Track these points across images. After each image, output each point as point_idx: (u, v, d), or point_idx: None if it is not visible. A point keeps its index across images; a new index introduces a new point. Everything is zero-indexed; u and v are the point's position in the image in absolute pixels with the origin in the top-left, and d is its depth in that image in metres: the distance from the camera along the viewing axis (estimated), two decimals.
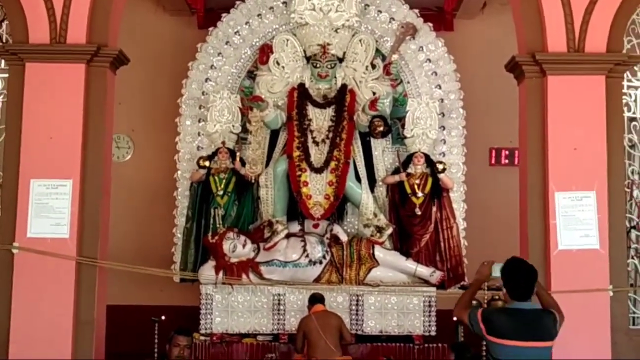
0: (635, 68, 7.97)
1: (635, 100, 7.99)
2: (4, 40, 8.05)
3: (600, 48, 7.64)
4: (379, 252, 10.03)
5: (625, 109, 7.82)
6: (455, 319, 6.24)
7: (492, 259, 5.99)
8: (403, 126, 10.43)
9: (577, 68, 7.63)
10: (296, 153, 10.27)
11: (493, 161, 12.19)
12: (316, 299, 9.27)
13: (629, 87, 7.92)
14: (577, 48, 7.63)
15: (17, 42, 7.76)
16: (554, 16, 7.66)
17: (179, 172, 10.68)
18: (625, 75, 7.82)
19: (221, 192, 10.19)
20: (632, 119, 7.93)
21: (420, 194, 10.13)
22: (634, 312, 7.59)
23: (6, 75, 7.89)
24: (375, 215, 10.22)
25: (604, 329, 7.13)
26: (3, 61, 7.96)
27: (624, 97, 7.79)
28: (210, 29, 10.96)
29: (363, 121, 10.30)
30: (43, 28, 7.70)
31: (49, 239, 7.48)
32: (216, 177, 10.23)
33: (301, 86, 10.56)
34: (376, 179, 10.54)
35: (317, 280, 9.90)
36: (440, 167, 10.23)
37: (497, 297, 9.88)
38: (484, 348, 8.99)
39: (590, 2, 7.67)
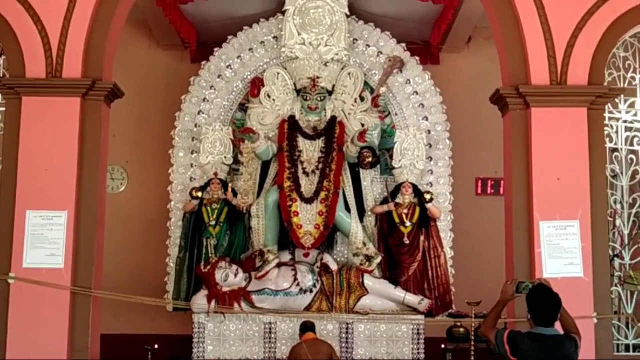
0: (616, 100, 8.01)
1: (616, 132, 8.03)
2: (1, 75, 8.06)
3: (582, 81, 7.69)
4: (368, 280, 10.02)
5: (607, 139, 7.86)
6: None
7: (502, 283, 6.05)
8: (391, 157, 10.47)
9: (559, 100, 7.67)
10: (287, 183, 10.27)
11: (479, 191, 12.22)
12: (307, 327, 9.23)
13: (610, 118, 7.97)
14: (559, 81, 7.68)
15: (14, 77, 7.78)
16: (536, 50, 7.71)
17: (172, 202, 10.67)
18: (606, 107, 7.86)
19: (213, 222, 10.18)
20: (613, 150, 7.98)
21: (408, 223, 10.14)
22: (618, 339, 7.59)
23: (3, 108, 7.90)
24: (364, 244, 10.22)
25: (589, 356, 7.13)
26: (0, 95, 7.97)
27: (605, 128, 7.83)
28: (203, 62, 11.00)
29: (352, 152, 10.33)
30: (39, 62, 7.73)
31: (44, 269, 7.47)
32: (208, 208, 10.23)
33: (291, 118, 10.58)
34: (365, 209, 10.54)
35: (308, 308, 9.87)
36: (427, 196, 10.24)
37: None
38: None
39: (572, 36, 7.73)
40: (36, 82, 7.70)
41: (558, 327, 5.79)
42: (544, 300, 5.71)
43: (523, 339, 5.63)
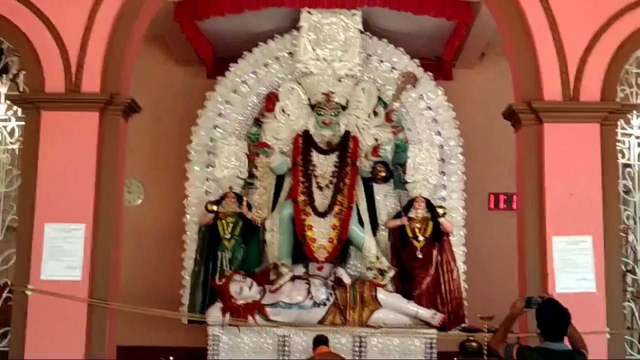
0: (629, 116, 8.00)
1: (629, 147, 8.02)
2: (21, 90, 8.11)
3: (594, 97, 7.68)
4: (381, 294, 10.01)
5: (619, 155, 7.85)
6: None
7: (514, 299, 6.09)
8: (404, 172, 10.47)
9: (572, 116, 7.66)
10: (301, 198, 10.30)
11: (492, 206, 12.19)
12: (320, 340, 9.21)
13: (622, 134, 7.96)
14: (572, 97, 7.66)
15: (34, 91, 7.82)
16: (549, 65, 7.71)
17: (188, 216, 10.71)
18: (619, 123, 7.85)
19: (228, 236, 10.21)
20: (626, 165, 7.96)
21: (421, 238, 10.14)
22: (631, 355, 7.56)
23: (23, 123, 7.94)
24: (377, 258, 10.22)
25: None
26: (20, 109, 8.01)
27: (618, 144, 7.82)
28: (219, 78, 11.06)
29: (366, 167, 10.35)
30: (58, 77, 7.76)
31: (62, 282, 7.48)
32: (224, 221, 10.25)
33: (306, 133, 10.62)
34: (378, 223, 10.56)
35: (321, 322, 9.86)
36: (440, 211, 10.24)
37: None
38: None
39: (585, 52, 7.72)
40: (55, 97, 7.74)
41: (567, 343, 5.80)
42: (553, 315, 5.71)
43: (532, 354, 5.62)
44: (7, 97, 8.14)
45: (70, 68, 7.78)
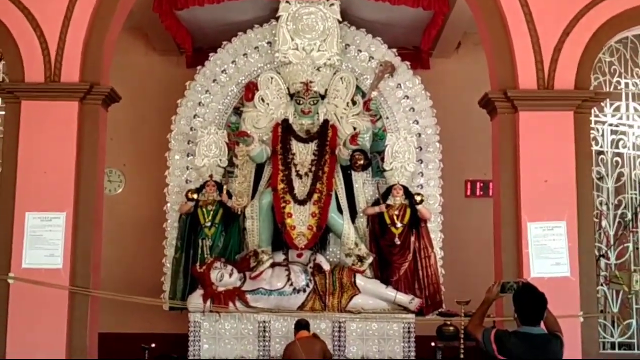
0: (602, 104, 8.04)
1: (602, 135, 8.07)
2: (1, 79, 8.05)
3: (568, 85, 7.71)
4: (360, 280, 10.03)
5: (593, 142, 7.88)
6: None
7: (489, 284, 6.08)
8: (382, 160, 10.48)
9: (546, 104, 7.68)
10: (280, 186, 10.28)
11: (468, 193, 12.23)
12: (301, 325, 9.24)
13: (596, 122, 8.00)
14: (546, 85, 7.69)
15: (13, 81, 7.77)
16: (524, 55, 7.73)
17: (169, 204, 10.66)
18: (592, 111, 7.88)
19: (209, 224, 10.18)
20: (599, 153, 8.00)
21: (399, 225, 10.15)
22: (604, 337, 7.61)
23: (2, 112, 7.89)
24: (356, 245, 10.22)
25: (576, 354, 7.14)
26: (0, 99, 7.96)
27: (591, 131, 7.85)
28: (198, 67, 10.99)
29: (344, 155, 10.34)
30: (38, 67, 7.72)
31: (43, 269, 7.46)
32: (204, 209, 10.23)
33: (285, 122, 10.59)
34: (357, 211, 10.55)
35: (301, 307, 9.87)
36: (418, 198, 10.25)
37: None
38: None
39: (559, 41, 7.75)
40: (35, 86, 7.69)
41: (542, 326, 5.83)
42: (530, 300, 5.74)
43: (510, 338, 5.65)
44: None
45: (49, 58, 7.74)
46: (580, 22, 7.71)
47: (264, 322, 9.89)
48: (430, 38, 11.44)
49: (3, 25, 7.76)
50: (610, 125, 8.11)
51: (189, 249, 10.22)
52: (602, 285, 7.77)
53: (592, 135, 7.86)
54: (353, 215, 10.49)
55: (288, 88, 10.72)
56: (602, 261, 7.88)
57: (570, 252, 7.41)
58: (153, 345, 9.37)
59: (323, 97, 10.68)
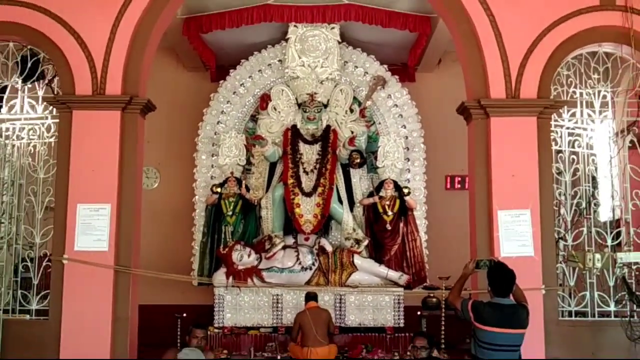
0: (560, 110, 8.01)
1: (560, 137, 8.02)
2: (55, 93, 8.05)
3: (532, 95, 7.66)
4: (357, 260, 10.04)
5: (552, 143, 7.85)
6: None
7: (466, 262, 6.19)
8: (376, 158, 10.52)
9: (514, 111, 7.64)
10: (290, 181, 10.31)
11: (448, 186, 12.19)
12: (310, 296, 9.26)
13: (555, 126, 7.96)
14: (513, 95, 7.64)
15: (66, 94, 7.75)
16: (494, 69, 7.68)
17: (197, 197, 10.71)
18: (552, 116, 7.85)
19: (230, 213, 10.21)
20: (558, 152, 7.97)
21: (390, 213, 10.17)
22: (562, 307, 7.60)
23: (57, 120, 7.89)
24: (354, 230, 10.26)
25: (539, 321, 7.13)
26: (54, 109, 7.96)
27: (551, 134, 7.82)
28: (221, 82, 11.05)
29: (344, 155, 10.37)
30: (86, 82, 7.69)
31: (92, 252, 7.44)
32: (226, 201, 10.24)
33: (294, 127, 10.61)
34: (354, 201, 10.58)
35: (308, 283, 9.90)
36: (405, 191, 10.27)
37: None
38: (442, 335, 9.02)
39: (524, 58, 7.69)
40: (84, 98, 7.67)
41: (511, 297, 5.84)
42: (502, 275, 5.78)
43: (484, 308, 5.68)
44: (44, 99, 8.06)
45: (96, 74, 7.71)
46: (542, 41, 7.67)
47: (277, 295, 9.92)
48: (416, 56, 11.42)
49: (57, 47, 7.74)
50: (568, 128, 8.07)
51: (214, 234, 10.26)
52: (560, 263, 7.74)
53: (552, 137, 7.82)
54: (351, 205, 10.52)
55: (296, 99, 10.74)
56: (561, 243, 7.86)
57: (534, 236, 7.38)
58: (184, 314, 9.38)
59: (326, 106, 10.70)
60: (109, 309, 7.40)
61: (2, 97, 8.16)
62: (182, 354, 6.63)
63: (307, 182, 10.33)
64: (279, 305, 9.91)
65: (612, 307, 7.63)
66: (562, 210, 7.87)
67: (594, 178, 8.32)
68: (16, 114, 8.14)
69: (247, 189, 10.38)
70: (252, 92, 10.94)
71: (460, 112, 8.09)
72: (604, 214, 8.44)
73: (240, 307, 9.95)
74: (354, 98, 10.83)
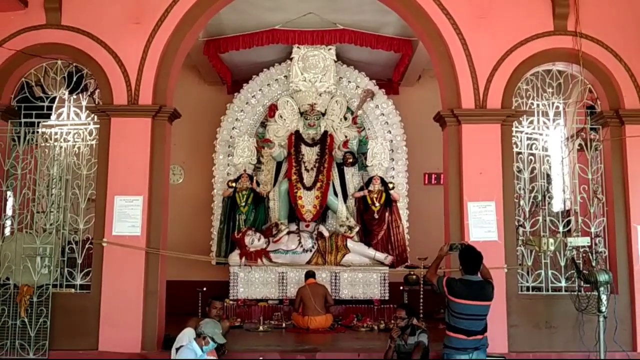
0: (520, 119, 7.99)
1: (520, 140, 8.00)
2: (97, 103, 8.04)
3: (496, 105, 7.65)
4: (350, 243, 10.06)
5: (514, 146, 7.84)
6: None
7: (441, 245, 6.20)
8: (365, 159, 10.54)
9: (481, 119, 7.62)
10: (294, 177, 10.32)
11: (426, 182, 12.19)
12: (310, 274, 9.29)
13: (516, 131, 7.94)
14: (481, 105, 7.63)
15: (105, 104, 7.74)
16: (465, 84, 7.66)
17: (215, 190, 10.72)
18: (514, 123, 7.84)
19: (243, 204, 10.21)
20: (518, 153, 7.94)
21: (377, 204, 10.18)
22: (521, 283, 7.60)
23: (98, 126, 7.87)
24: (347, 218, 10.27)
25: (502, 294, 7.13)
26: (96, 116, 7.94)
27: (513, 138, 7.81)
28: (236, 94, 11.06)
29: (339, 155, 10.37)
30: (122, 94, 7.67)
31: (127, 236, 7.42)
32: (240, 194, 10.25)
33: (297, 132, 10.62)
34: (348, 194, 10.59)
35: (308, 262, 9.92)
36: (390, 186, 10.31)
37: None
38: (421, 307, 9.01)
39: (490, 74, 7.67)
40: (120, 107, 7.65)
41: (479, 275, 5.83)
42: (471, 256, 5.76)
43: (457, 283, 5.68)
44: (87, 108, 8.04)
45: (131, 87, 7.69)
46: (505, 61, 7.66)
47: (283, 272, 9.93)
48: (399, 72, 11.43)
49: (98, 65, 7.71)
50: (526, 133, 8.05)
51: (229, 222, 10.28)
52: (520, 246, 7.73)
53: (513, 141, 7.80)
54: (345, 197, 10.54)
55: (299, 108, 10.75)
56: (520, 229, 7.85)
57: (498, 223, 7.37)
58: (205, 289, 9.38)
59: (324, 114, 10.71)
60: (141, 284, 7.39)
61: (52, 107, 8.15)
62: (204, 322, 6.61)
63: (308, 178, 10.35)
64: (284, 281, 9.92)
65: (563, 283, 7.62)
66: (522, 202, 7.85)
67: (548, 175, 8.32)
68: (63, 120, 8.12)
69: (258, 184, 10.40)
70: (262, 102, 10.95)
71: (437, 120, 8.08)
72: (557, 205, 8.45)
73: (251, 283, 9.96)
74: (348, 108, 10.85)
